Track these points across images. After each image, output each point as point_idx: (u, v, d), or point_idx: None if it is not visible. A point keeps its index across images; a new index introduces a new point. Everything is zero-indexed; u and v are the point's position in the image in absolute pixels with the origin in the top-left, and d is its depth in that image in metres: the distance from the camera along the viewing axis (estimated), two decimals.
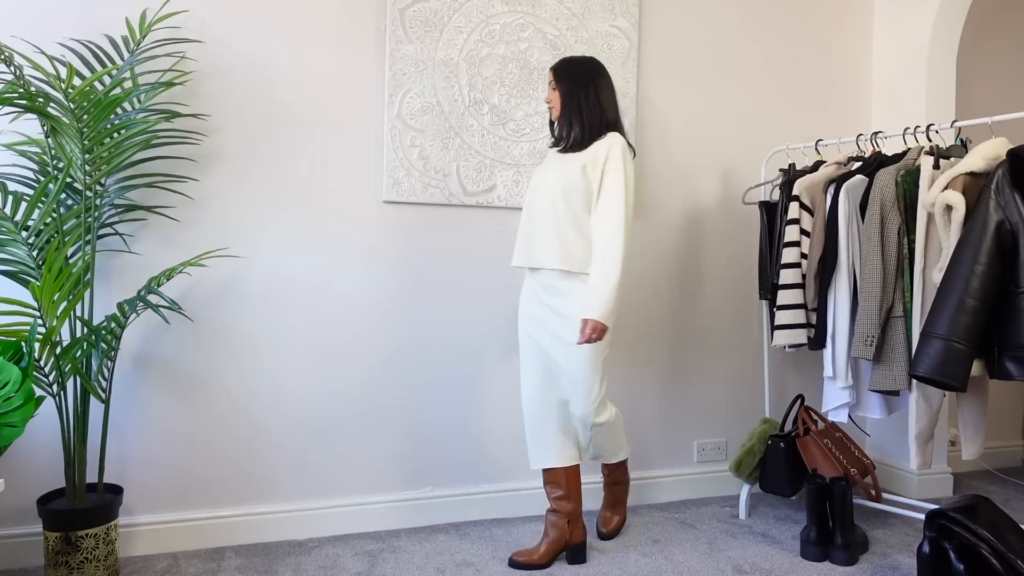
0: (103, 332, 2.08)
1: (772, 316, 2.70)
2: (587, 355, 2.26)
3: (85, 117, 2.02)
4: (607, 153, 2.27)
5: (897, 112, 3.23)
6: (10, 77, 2.08)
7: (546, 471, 2.38)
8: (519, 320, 2.43)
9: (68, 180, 2.12)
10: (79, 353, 2.08)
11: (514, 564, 2.33)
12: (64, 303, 1.98)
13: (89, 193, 2.11)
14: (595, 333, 2.17)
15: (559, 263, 2.26)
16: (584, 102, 2.32)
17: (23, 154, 2.16)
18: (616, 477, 2.61)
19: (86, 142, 2.05)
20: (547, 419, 2.35)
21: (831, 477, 2.49)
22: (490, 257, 2.73)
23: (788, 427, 2.85)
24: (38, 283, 1.90)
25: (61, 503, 2.12)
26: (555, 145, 2.42)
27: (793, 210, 2.61)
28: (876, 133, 2.64)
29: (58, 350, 2.04)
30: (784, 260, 2.60)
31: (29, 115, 2.16)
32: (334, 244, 2.56)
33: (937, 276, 2.20)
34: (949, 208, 2.15)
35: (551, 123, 2.44)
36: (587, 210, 2.28)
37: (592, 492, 2.74)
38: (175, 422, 2.40)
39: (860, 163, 2.62)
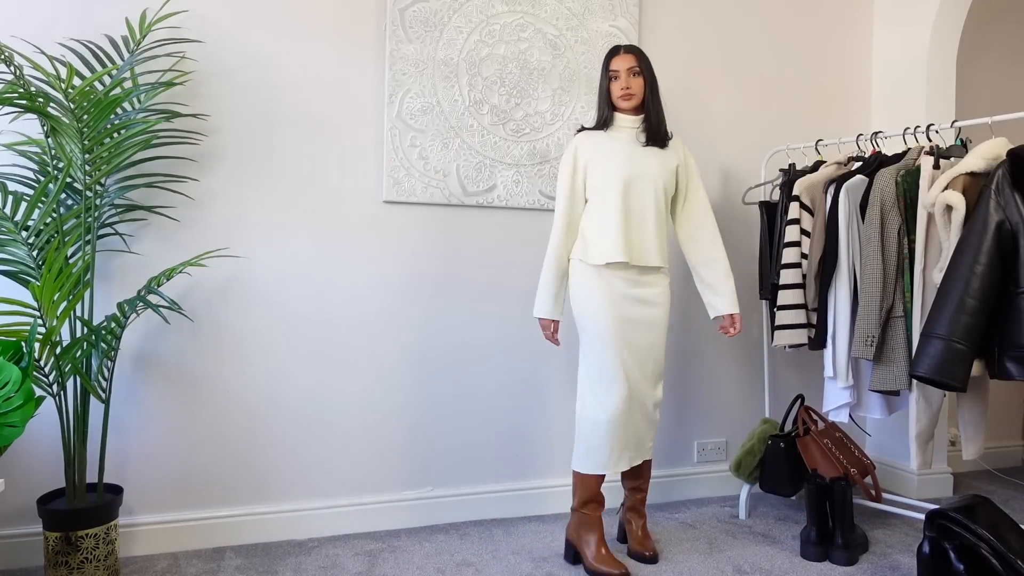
0: (103, 332, 2.08)
1: (772, 316, 2.70)
2: (664, 338, 2.36)
3: (85, 117, 2.02)
4: (686, 159, 2.40)
5: (897, 112, 3.23)
6: (10, 77, 2.08)
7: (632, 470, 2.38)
8: (606, 321, 2.25)
9: (68, 180, 2.12)
10: (79, 353, 2.08)
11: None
12: (64, 303, 1.98)
13: (89, 193, 2.11)
14: (740, 326, 2.42)
15: (661, 260, 2.31)
16: (659, 98, 2.35)
17: (23, 154, 2.17)
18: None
19: (86, 142, 2.05)
20: (633, 418, 2.29)
21: (831, 477, 2.49)
22: (490, 257, 2.73)
23: (788, 427, 2.85)
24: (38, 283, 1.90)
25: (61, 503, 2.12)
26: (645, 136, 2.32)
27: (793, 210, 2.61)
28: (876, 133, 2.64)
29: (58, 350, 2.04)
30: (784, 260, 2.60)
31: (29, 115, 2.16)
32: (334, 244, 2.56)
33: (937, 276, 2.21)
34: (949, 208, 2.15)
35: (609, 106, 2.34)
36: (669, 208, 2.39)
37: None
38: (175, 422, 2.40)
39: (860, 163, 2.62)
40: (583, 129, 2.39)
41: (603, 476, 2.29)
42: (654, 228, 2.28)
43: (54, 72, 2.04)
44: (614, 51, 2.33)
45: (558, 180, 2.36)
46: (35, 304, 1.94)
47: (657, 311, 2.32)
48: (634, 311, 2.28)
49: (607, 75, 2.33)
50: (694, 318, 3.04)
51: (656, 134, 2.32)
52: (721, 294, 2.37)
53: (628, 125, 2.34)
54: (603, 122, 2.35)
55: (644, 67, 2.31)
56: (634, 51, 2.32)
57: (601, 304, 2.26)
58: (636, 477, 2.43)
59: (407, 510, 2.65)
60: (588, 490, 2.30)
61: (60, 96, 1.99)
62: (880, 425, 3.22)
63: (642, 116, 2.33)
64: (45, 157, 2.16)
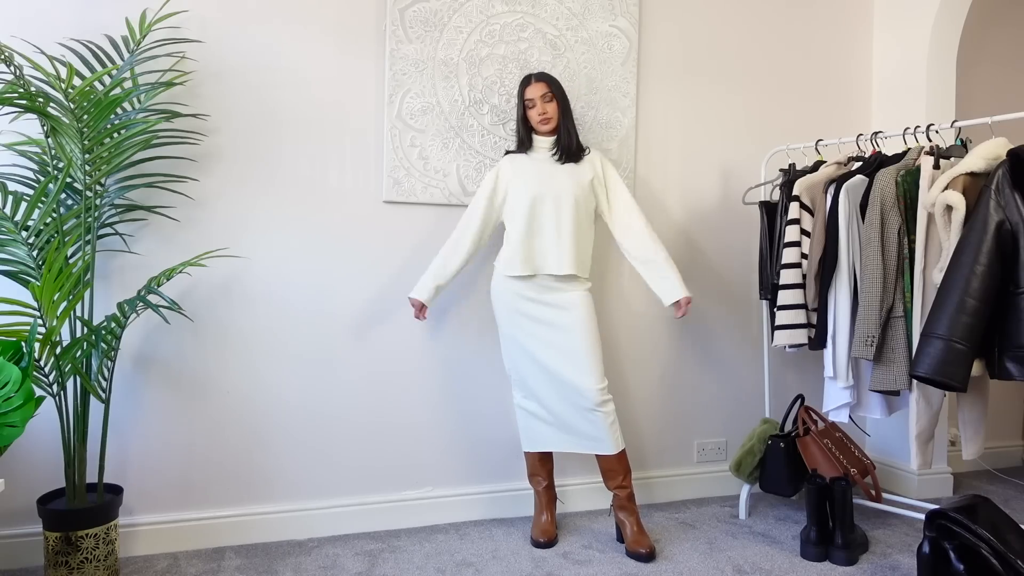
0: (103, 332, 2.08)
1: (772, 316, 2.70)
2: (589, 337, 2.43)
3: (85, 117, 2.02)
4: (603, 168, 2.57)
5: (897, 112, 3.23)
6: (10, 77, 2.08)
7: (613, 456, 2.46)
8: (508, 329, 2.51)
9: (68, 180, 2.12)
10: (79, 353, 2.08)
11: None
12: (64, 303, 1.98)
13: (89, 193, 2.11)
14: (689, 306, 2.52)
15: (572, 267, 2.43)
16: (571, 117, 2.54)
17: (23, 154, 2.17)
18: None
19: (86, 142, 2.05)
20: (561, 408, 2.47)
21: (831, 477, 2.49)
22: (490, 257, 2.73)
23: (788, 427, 2.85)
24: (38, 283, 1.90)
25: (61, 503, 2.12)
26: (555, 155, 2.52)
27: (793, 210, 2.60)
28: (876, 133, 2.64)
29: (58, 350, 2.04)
30: (784, 260, 2.60)
31: (29, 115, 2.16)
32: (334, 244, 2.56)
33: (937, 276, 2.20)
34: (949, 208, 2.15)
35: (526, 130, 2.54)
36: (592, 219, 2.53)
37: (583, 493, 2.74)
38: (175, 422, 2.40)
39: (860, 163, 2.61)
40: (508, 152, 2.57)
41: (539, 454, 2.56)
42: (567, 239, 2.43)
43: (54, 72, 2.04)
44: (526, 81, 2.51)
45: (476, 194, 2.54)
46: (35, 304, 1.94)
47: (571, 314, 2.44)
48: (545, 315, 2.45)
49: (523, 103, 2.51)
50: (694, 318, 3.04)
51: (569, 151, 2.50)
52: (665, 286, 2.49)
53: (545, 146, 2.52)
54: (522, 145, 2.55)
55: (556, 91, 2.49)
56: (545, 78, 2.50)
57: (505, 312, 2.51)
58: (611, 477, 2.49)
59: (407, 510, 2.65)
60: (528, 465, 2.61)
61: (60, 96, 1.99)
62: (880, 425, 3.22)
63: (555, 138, 2.51)
64: (45, 157, 2.16)
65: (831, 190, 2.56)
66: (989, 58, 3.50)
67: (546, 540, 2.50)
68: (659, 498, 2.99)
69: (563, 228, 2.43)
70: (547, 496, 2.59)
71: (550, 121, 2.48)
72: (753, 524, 2.75)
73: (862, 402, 2.58)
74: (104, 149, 2.11)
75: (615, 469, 2.46)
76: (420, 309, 2.50)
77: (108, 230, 2.28)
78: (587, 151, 2.55)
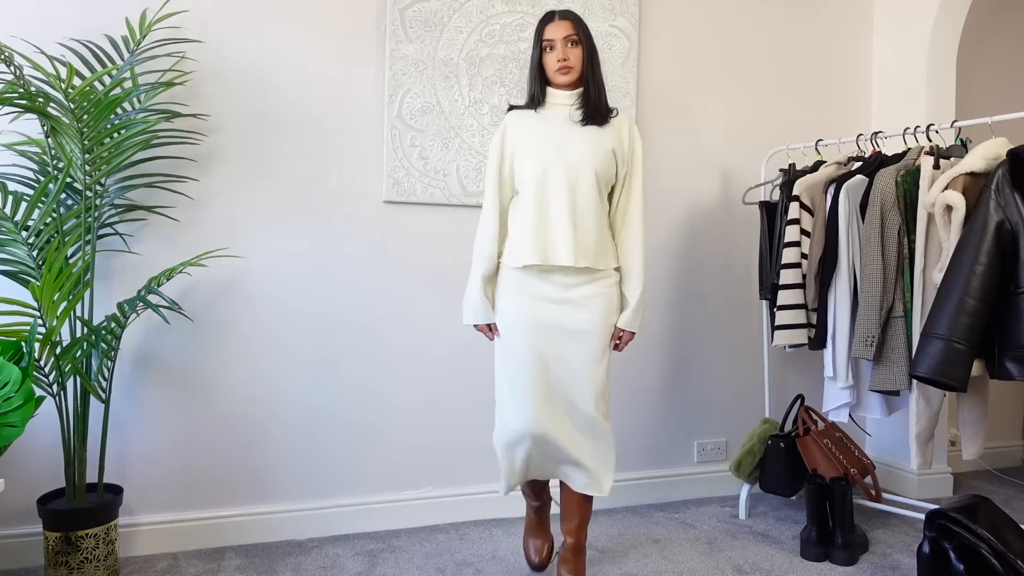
0: (103, 332, 2.08)
1: (772, 316, 2.70)
2: (601, 351, 2.03)
3: (85, 117, 2.02)
4: (631, 142, 2.06)
5: (897, 112, 3.23)
6: (10, 77, 2.08)
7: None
8: (518, 333, 2.03)
9: (68, 180, 2.11)
10: (79, 353, 2.08)
11: None
12: (64, 303, 1.98)
13: (89, 193, 2.11)
14: (626, 344, 2.10)
15: (592, 260, 1.99)
16: (599, 69, 2.05)
17: (23, 154, 2.17)
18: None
19: (86, 142, 2.05)
20: (552, 443, 2.04)
21: (831, 477, 2.49)
22: None
23: (788, 427, 2.85)
24: (38, 283, 1.90)
25: (61, 503, 2.12)
26: (582, 114, 2.02)
27: (793, 210, 2.61)
28: (876, 133, 2.64)
29: (58, 350, 2.04)
30: (784, 260, 2.60)
31: (29, 115, 2.16)
32: (334, 244, 2.56)
33: (937, 276, 2.20)
34: (949, 208, 2.15)
35: (540, 81, 2.05)
36: (605, 198, 2.06)
37: None
38: (175, 422, 2.40)
39: (860, 163, 2.62)
40: (512, 108, 2.11)
41: (534, 482, 2.18)
42: (588, 222, 1.97)
43: (54, 72, 2.04)
44: (547, 17, 2.02)
45: (486, 170, 2.12)
46: (35, 304, 1.94)
47: (586, 315, 1.99)
48: (561, 317, 2.00)
49: (540, 45, 2.02)
50: (693, 318, 3.04)
51: (595, 111, 2.01)
52: (625, 307, 2.07)
53: (562, 102, 2.04)
54: (533, 100, 2.06)
55: (583, 35, 2.01)
56: (571, 16, 2.02)
57: (516, 315, 2.02)
58: (570, 518, 2.12)
59: (407, 510, 2.65)
60: (524, 496, 2.29)
61: (60, 96, 1.99)
62: (880, 425, 3.22)
63: (579, 91, 2.03)
64: (45, 157, 2.16)
65: (831, 190, 2.56)
66: (989, 58, 3.49)
67: (540, 563, 2.25)
68: (659, 498, 2.99)
69: (585, 208, 1.97)
70: (538, 518, 2.28)
71: (571, 71, 1.99)
72: (753, 524, 2.75)
73: (862, 402, 2.58)
74: (104, 149, 2.11)
75: (579, 511, 2.11)
76: (492, 329, 2.11)
77: (108, 230, 2.28)
78: (614, 112, 2.07)
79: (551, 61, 2.00)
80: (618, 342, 2.07)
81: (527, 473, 2.11)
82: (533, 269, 2.01)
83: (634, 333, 2.09)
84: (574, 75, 2.01)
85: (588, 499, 2.12)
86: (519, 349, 2.02)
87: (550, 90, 2.05)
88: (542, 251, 1.97)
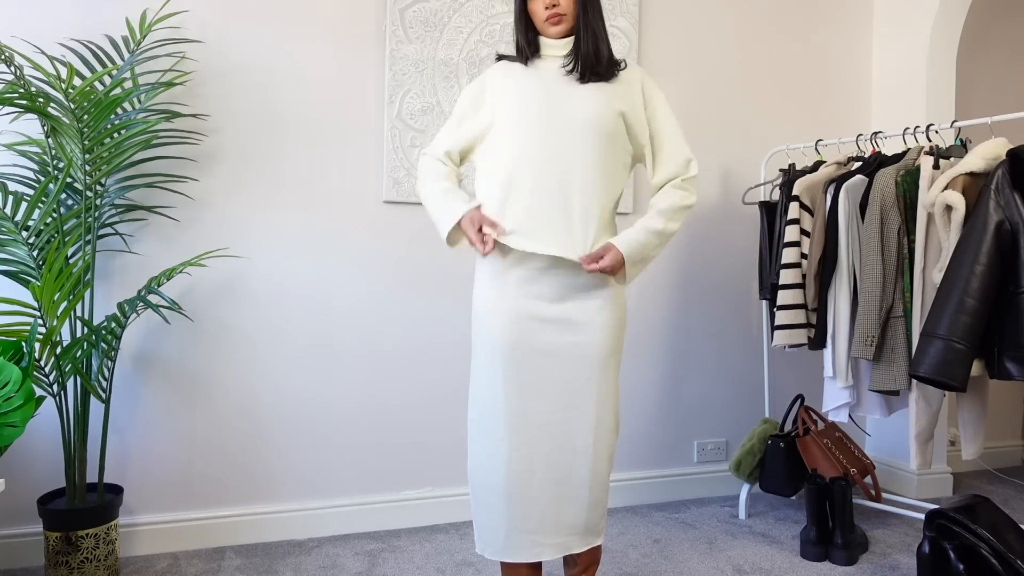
0: (103, 332, 2.08)
1: (772, 316, 2.70)
2: (603, 376, 1.65)
3: (85, 117, 2.02)
4: (643, 85, 1.69)
5: (897, 112, 3.23)
6: (10, 77, 2.08)
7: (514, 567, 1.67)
8: (497, 340, 1.64)
9: (68, 180, 2.12)
10: (79, 353, 2.08)
11: None
12: (64, 303, 1.98)
13: (89, 193, 2.11)
14: (609, 265, 1.57)
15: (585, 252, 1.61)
16: (597, 14, 1.67)
17: (23, 154, 2.17)
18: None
19: (86, 142, 2.05)
20: (545, 487, 1.63)
21: (831, 477, 2.49)
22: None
23: (788, 427, 2.85)
24: (38, 283, 1.90)
25: (61, 503, 2.12)
26: (579, 69, 1.65)
27: (793, 210, 2.61)
28: (876, 133, 2.64)
29: (58, 350, 2.04)
30: (784, 260, 2.60)
31: (29, 115, 2.16)
32: (334, 244, 2.56)
33: (937, 276, 2.21)
34: (949, 208, 2.15)
35: (530, 32, 1.70)
36: (625, 169, 1.71)
37: None
38: (175, 422, 2.40)
39: (860, 163, 2.62)
40: (502, 58, 1.76)
41: (526, 564, 1.66)
42: (577, 205, 1.59)
43: (54, 72, 2.04)
44: None
45: (455, 107, 1.77)
46: (35, 304, 1.94)
47: (585, 336, 1.62)
48: (550, 337, 1.62)
49: None
50: (693, 318, 3.04)
51: (593, 65, 1.64)
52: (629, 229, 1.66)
53: (556, 53, 1.68)
54: (521, 52, 1.70)
55: None
56: None
57: (495, 318, 1.63)
58: (573, 564, 1.78)
59: (407, 510, 2.65)
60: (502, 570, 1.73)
61: (60, 96, 1.99)
62: (880, 425, 3.22)
63: (572, 39, 1.67)
64: (45, 157, 2.17)
65: (831, 190, 2.56)
66: (989, 58, 3.50)
67: None
68: (659, 498, 2.99)
69: (578, 186, 1.60)
70: None
71: (561, 19, 1.63)
72: (753, 524, 2.75)
73: (862, 402, 2.58)
74: (104, 149, 2.12)
75: (586, 555, 1.75)
76: (480, 220, 1.62)
77: (108, 230, 2.28)
78: (622, 64, 1.70)
79: (538, 9, 1.65)
80: (597, 266, 1.57)
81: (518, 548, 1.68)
82: (523, 269, 1.66)
83: (620, 259, 1.60)
84: (567, 23, 1.65)
85: (591, 549, 1.74)
86: (495, 363, 1.67)
87: (543, 40, 1.69)
88: (533, 237, 1.62)
